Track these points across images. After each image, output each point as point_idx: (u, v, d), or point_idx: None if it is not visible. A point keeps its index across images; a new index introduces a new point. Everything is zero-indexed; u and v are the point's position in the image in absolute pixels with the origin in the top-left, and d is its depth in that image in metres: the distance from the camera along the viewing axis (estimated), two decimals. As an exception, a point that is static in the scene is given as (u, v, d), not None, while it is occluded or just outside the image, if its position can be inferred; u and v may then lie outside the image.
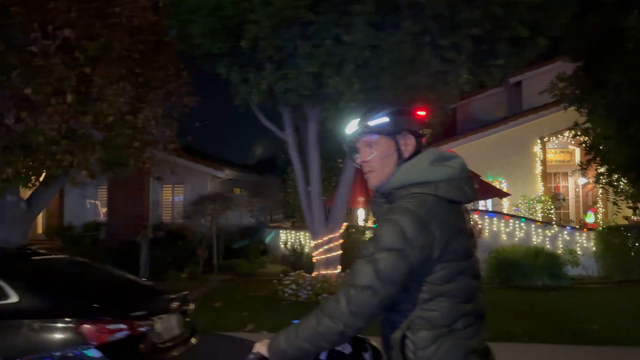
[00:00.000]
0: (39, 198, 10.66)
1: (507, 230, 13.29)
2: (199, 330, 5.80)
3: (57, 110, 8.66)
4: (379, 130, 2.04)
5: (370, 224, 15.46)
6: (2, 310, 4.64)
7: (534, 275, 11.77)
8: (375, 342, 2.15)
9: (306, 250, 14.61)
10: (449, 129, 19.41)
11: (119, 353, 4.52)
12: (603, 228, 13.01)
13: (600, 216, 15.98)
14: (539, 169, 16.91)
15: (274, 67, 8.79)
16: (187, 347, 5.42)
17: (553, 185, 17.65)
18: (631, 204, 11.97)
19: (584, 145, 11.64)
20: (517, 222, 13.37)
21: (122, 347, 4.62)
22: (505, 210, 15.83)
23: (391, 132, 2.04)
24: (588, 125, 11.07)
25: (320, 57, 8.21)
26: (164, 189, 18.54)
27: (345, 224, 11.17)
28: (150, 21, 10.08)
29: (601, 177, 11.10)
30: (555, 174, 17.85)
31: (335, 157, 16.39)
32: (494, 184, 15.43)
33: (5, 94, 8.73)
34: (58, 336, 4.54)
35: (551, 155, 17.60)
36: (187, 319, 5.73)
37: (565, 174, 17.94)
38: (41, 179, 10.29)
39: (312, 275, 10.34)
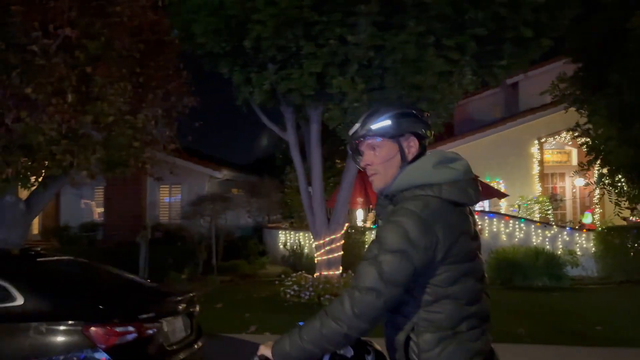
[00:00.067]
0: (38, 198, 10.56)
1: (507, 230, 13.31)
2: (204, 333, 5.74)
3: (58, 110, 8.58)
4: (382, 133, 2.04)
5: (369, 224, 15.44)
6: (8, 312, 4.57)
7: (535, 276, 11.79)
8: (379, 343, 2.13)
9: (306, 251, 14.57)
10: (447, 130, 19.45)
11: (126, 356, 4.48)
12: (603, 229, 13.03)
13: (597, 217, 16.05)
14: (536, 169, 16.97)
15: (277, 67, 8.75)
16: (194, 350, 5.38)
17: (550, 186, 17.71)
18: (630, 205, 12.02)
19: (584, 146, 11.67)
20: (516, 222, 13.38)
21: (130, 350, 4.56)
22: (502, 211, 15.85)
23: (394, 135, 2.04)
24: (589, 126, 11.09)
25: (324, 57, 8.18)
26: (161, 189, 18.45)
27: (347, 224, 11.13)
28: (150, 20, 10.02)
29: (603, 178, 11.11)
30: (552, 174, 17.92)
31: (333, 157, 16.40)
32: (491, 184, 15.45)
33: (5, 93, 8.64)
34: (65, 339, 4.48)
35: (548, 156, 17.67)
36: (193, 321, 5.68)
37: (563, 175, 18.01)
38: (40, 179, 10.20)
39: (314, 276, 10.30)
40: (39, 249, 5.88)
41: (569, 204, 17.79)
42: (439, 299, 1.90)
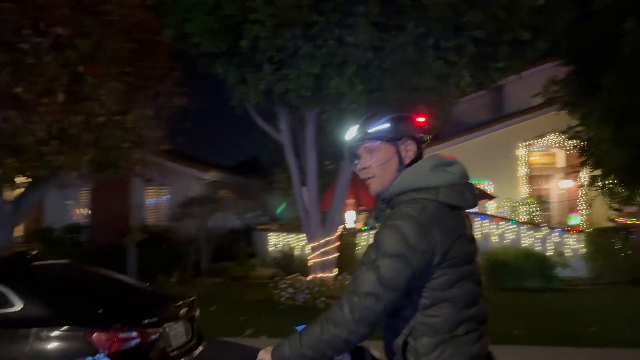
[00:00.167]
0: (26, 200, 10.33)
1: (498, 232, 13.39)
2: (205, 337, 5.66)
3: (49, 110, 8.39)
4: (379, 137, 2.06)
5: (359, 226, 15.41)
6: (6, 318, 4.44)
7: (526, 277, 11.86)
8: (377, 347, 2.12)
9: (297, 252, 14.49)
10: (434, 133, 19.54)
11: (129, 362, 4.34)
12: (592, 230, 13.19)
13: (583, 218, 16.23)
14: (523, 171, 17.11)
15: (274, 68, 8.66)
16: (196, 355, 5.29)
17: (537, 188, 17.88)
18: (622, 206, 12.16)
19: (577, 148, 11.80)
20: (507, 224, 13.47)
21: (132, 356, 4.47)
22: (490, 213, 15.96)
23: (392, 138, 2.05)
24: (580, 128, 11.21)
25: (322, 57, 8.12)
26: (147, 190, 18.20)
27: (341, 226, 11.09)
28: (141, 20, 9.86)
29: (596, 181, 11.23)
30: (538, 176, 18.10)
31: (324, 158, 16.31)
32: (479, 186, 15.55)
33: (-6, 92, 8.42)
34: (66, 345, 4.37)
35: (534, 158, 17.84)
36: (194, 326, 5.60)
37: (548, 177, 18.21)
38: (28, 180, 9.99)
39: (309, 278, 10.23)
40: (35, 252, 5.71)
41: (554, 205, 17.98)
42: (437, 303, 1.90)
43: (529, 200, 16.44)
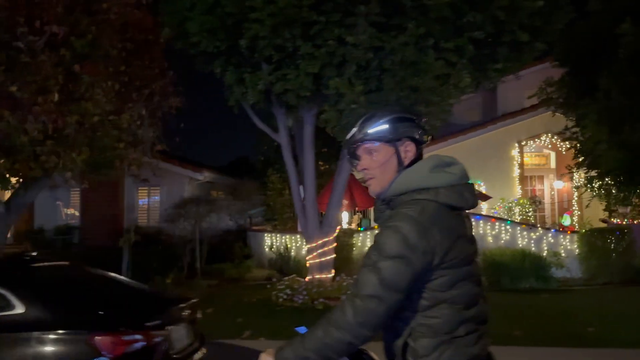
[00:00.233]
0: (18, 201, 10.18)
1: (493, 232, 13.42)
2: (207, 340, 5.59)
3: (44, 110, 8.27)
4: (379, 137, 2.05)
5: (354, 226, 15.38)
6: (7, 322, 4.35)
7: (522, 278, 11.89)
8: (376, 348, 2.11)
9: (292, 253, 14.43)
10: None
11: (133, 366, 4.28)
12: (586, 231, 13.26)
13: (575, 219, 16.32)
14: (516, 172, 17.18)
15: (273, 67, 8.60)
16: (198, 358, 5.22)
17: (530, 188, 17.96)
18: (614, 207, 12.25)
19: (573, 149, 11.85)
20: (502, 224, 13.50)
21: (136, 359, 4.38)
22: (483, 213, 16.00)
23: (391, 139, 2.05)
24: (576, 129, 11.26)
25: (322, 57, 8.07)
26: (140, 191, 18.05)
27: (339, 227, 11.05)
28: (137, 18, 9.77)
29: (592, 182, 11.28)
30: (531, 177, 18.18)
31: (318, 159, 16.27)
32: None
33: (-11, 91, 8.29)
34: (69, 349, 4.29)
35: (527, 159, 17.91)
36: (196, 328, 5.53)
37: (541, 177, 18.30)
38: (21, 180, 9.84)
39: (306, 279, 10.17)
40: (34, 253, 5.61)
41: (547, 206, 18.07)
42: (437, 304, 1.89)
43: (522, 201, 16.50)
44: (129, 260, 12.46)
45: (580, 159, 11.31)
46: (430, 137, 2.13)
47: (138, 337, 4.42)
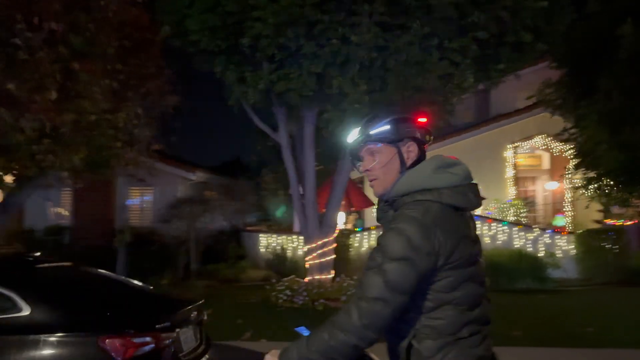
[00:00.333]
0: (13, 200, 10.04)
1: (490, 233, 13.45)
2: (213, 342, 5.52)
3: (42, 108, 8.13)
4: (381, 138, 2.06)
5: (349, 226, 15.34)
6: (13, 324, 4.23)
7: (519, 279, 11.92)
8: (379, 349, 2.09)
9: (289, 254, 14.36)
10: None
11: (142, 369, 4.22)
12: (583, 231, 13.33)
13: (569, 219, 16.41)
14: (510, 173, 17.24)
15: (275, 67, 8.53)
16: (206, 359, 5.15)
17: (523, 189, 18.04)
18: (606, 208, 12.32)
19: (572, 150, 11.90)
20: (499, 225, 13.54)
21: (146, 362, 4.30)
22: (479, 213, 16.03)
23: (393, 140, 2.05)
24: (574, 130, 11.31)
25: (325, 56, 8.02)
26: (131, 191, 17.86)
27: (339, 228, 11.00)
28: (134, 16, 9.66)
29: (590, 182, 11.34)
30: (524, 178, 18.26)
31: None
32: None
33: (-16, 89, 8.12)
34: (78, 352, 4.18)
35: (521, 160, 17.99)
36: (202, 330, 5.45)
37: (534, 178, 18.39)
38: (15, 179, 9.69)
39: (306, 280, 10.11)
40: (37, 254, 5.49)
41: (540, 207, 18.16)
42: (441, 305, 1.90)
43: (516, 202, 16.56)
44: (125, 261, 12.32)
45: (579, 160, 11.34)
46: (432, 138, 2.13)
47: (148, 339, 4.34)
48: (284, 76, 8.39)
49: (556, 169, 15.36)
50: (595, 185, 11.03)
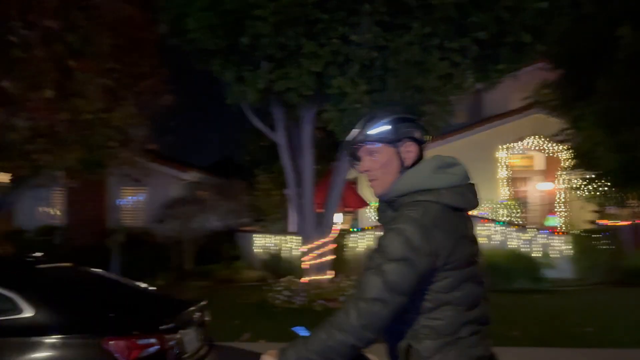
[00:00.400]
0: (6, 200, 9.91)
1: (485, 233, 13.47)
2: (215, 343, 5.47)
3: (37, 106, 8.03)
4: (380, 139, 2.05)
5: (345, 226, 15.29)
6: (16, 326, 4.16)
7: (514, 279, 11.92)
8: (377, 350, 2.10)
9: (284, 254, 14.30)
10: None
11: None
12: (578, 231, 13.39)
13: (562, 220, 16.49)
14: (503, 173, 17.29)
15: (274, 66, 8.47)
16: (208, 361, 5.09)
17: (515, 190, 18.10)
18: (602, 208, 12.39)
19: (568, 151, 11.95)
20: (494, 225, 13.57)
21: (150, 363, 4.24)
22: (473, 214, 16.08)
23: (392, 140, 2.05)
24: (571, 131, 11.36)
25: (325, 56, 7.98)
26: (123, 191, 17.70)
27: (337, 228, 10.96)
28: (129, 15, 9.57)
29: (588, 182, 11.39)
30: (517, 178, 18.32)
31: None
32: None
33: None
34: (81, 354, 4.13)
35: (514, 161, 18.05)
36: (205, 331, 5.39)
37: (527, 179, 18.47)
38: (9, 179, 9.58)
39: (305, 280, 10.05)
40: (38, 254, 5.40)
41: (533, 208, 18.23)
42: (440, 305, 1.90)
43: (509, 202, 16.61)
44: (119, 262, 12.20)
45: (576, 161, 11.39)
46: (431, 137, 2.12)
47: (152, 340, 4.29)
48: (284, 75, 8.34)
49: (549, 170, 15.41)
50: (594, 186, 11.07)
